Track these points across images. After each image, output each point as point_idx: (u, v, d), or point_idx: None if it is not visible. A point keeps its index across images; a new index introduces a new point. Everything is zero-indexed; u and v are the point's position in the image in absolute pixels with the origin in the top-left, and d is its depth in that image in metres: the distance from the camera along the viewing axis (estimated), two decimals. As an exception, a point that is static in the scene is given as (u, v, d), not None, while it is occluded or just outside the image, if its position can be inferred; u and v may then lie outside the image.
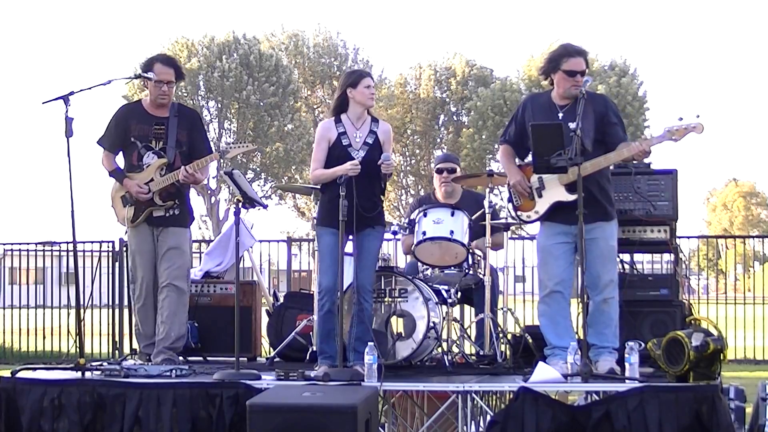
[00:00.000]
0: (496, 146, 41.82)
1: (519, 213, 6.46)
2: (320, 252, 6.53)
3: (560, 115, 6.23)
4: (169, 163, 6.91)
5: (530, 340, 6.78)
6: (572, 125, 6.09)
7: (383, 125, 6.61)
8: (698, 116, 5.97)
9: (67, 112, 6.39)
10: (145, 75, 6.85)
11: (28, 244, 15.26)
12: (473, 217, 7.08)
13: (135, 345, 7.60)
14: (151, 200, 6.89)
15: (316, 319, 7.18)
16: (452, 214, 6.97)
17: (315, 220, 6.72)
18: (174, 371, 6.23)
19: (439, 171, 7.80)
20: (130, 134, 6.92)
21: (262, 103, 39.12)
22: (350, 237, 6.44)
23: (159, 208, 6.91)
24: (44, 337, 14.76)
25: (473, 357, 7.06)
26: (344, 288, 6.26)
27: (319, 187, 6.71)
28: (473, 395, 5.82)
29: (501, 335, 6.88)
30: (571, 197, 6.08)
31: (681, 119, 6.00)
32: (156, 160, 6.92)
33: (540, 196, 6.34)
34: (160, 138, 6.95)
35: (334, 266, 6.28)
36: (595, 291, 6.24)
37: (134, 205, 6.92)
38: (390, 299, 6.79)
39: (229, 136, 40.11)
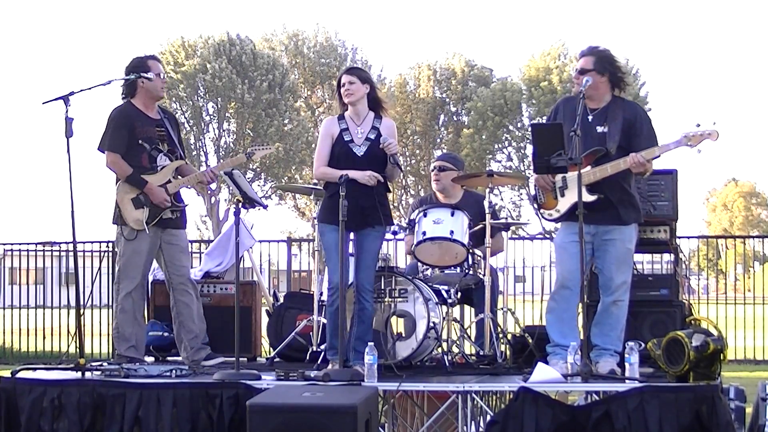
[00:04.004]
0: (497, 146, 42.14)
1: (542, 211, 6.47)
2: (326, 249, 6.50)
3: (590, 118, 6.24)
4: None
5: (530, 340, 6.79)
6: (600, 129, 6.13)
7: (386, 121, 6.61)
8: (714, 123, 6.04)
9: (67, 112, 6.38)
10: (146, 75, 6.84)
11: (28, 244, 15.26)
12: (473, 230, 7.07)
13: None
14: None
15: (316, 319, 7.19)
16: (452, 214, 6.97)
17: (315, 219, 6.71)
18: (174, 371, 6.22)
19: (432, 169, 7.86)
20: (137, 136, 6.85)
21: (260, 102, 39.03)
22: (351, 236, 6.45)
23: (170, 210, 6.88)
24: (44, 337, 14.75)
25: (473, 357, 7.06)
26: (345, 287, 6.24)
27: (320, 186, 6.70)
28: (473, 395, 5.83)
29: (501, 335, 6.89)
30: (591, 198, 6.11)
31: (698, 125, 6.04)
32: (171, 163, 6.92)
33: (563, 195, 6.35)
34: (163, 140, 6.95)
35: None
36: (606, 292, 6.26)
37: (149, 207, 6.82)
38: (390, 299, 6.79)
39: (229, 136, 40.08)
